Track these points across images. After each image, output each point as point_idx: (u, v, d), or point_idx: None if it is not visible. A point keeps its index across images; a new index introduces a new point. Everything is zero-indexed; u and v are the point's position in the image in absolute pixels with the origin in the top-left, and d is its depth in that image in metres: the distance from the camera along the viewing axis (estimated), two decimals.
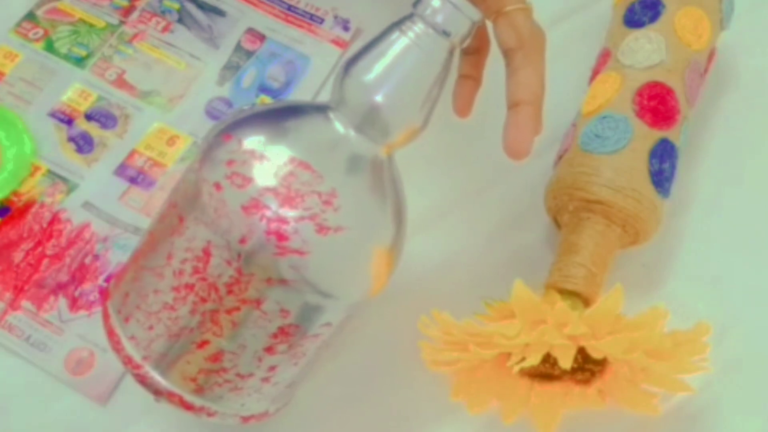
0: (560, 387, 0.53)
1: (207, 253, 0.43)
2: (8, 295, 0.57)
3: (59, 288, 0.57)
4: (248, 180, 0.43)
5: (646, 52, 0.58)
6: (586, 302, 0.52)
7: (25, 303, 0.56)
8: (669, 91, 0.57)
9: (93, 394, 0.54)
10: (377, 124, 0.44)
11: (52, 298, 0.57)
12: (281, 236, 0.42)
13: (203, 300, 0.44)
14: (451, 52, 0.45)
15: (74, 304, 0.57)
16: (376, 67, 0.44)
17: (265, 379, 0.47)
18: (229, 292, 0.44)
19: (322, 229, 0.43)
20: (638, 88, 0.57)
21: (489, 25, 0.51)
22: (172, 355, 0.46)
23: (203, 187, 0.44)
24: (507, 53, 0.50)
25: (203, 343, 0.45)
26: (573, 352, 0.48)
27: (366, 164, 0.45)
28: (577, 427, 0.53)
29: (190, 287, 0.44)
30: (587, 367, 0.52)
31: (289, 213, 0.42)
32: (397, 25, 0.45)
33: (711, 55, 0.62)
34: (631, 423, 0.53)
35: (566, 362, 0.48)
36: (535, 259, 0.57)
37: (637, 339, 0.48)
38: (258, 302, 0.44)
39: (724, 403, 0.54)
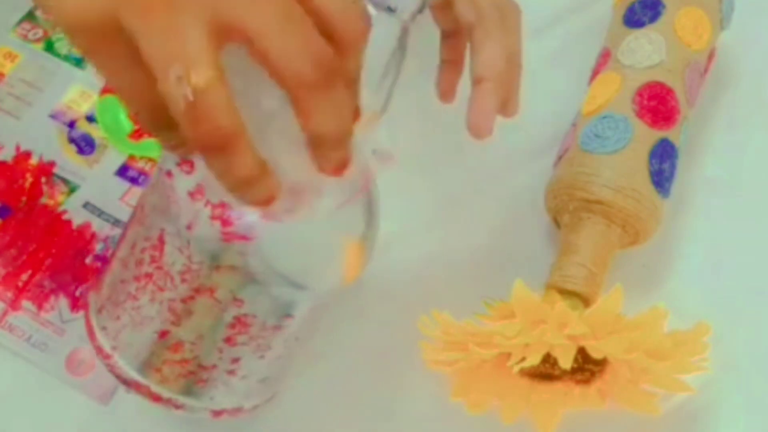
0: (560, 387, 0.53)
1: (161, 240, 0.43)
2: (9, 295, 0.57)
3: (60, 288, 0.57)
4: (195, 166, 0.42)
5: (646, 52, 0.58)
6: (586, 302, 0.52)
7: (26, 303, 0.56)
8: (669, 91, 0.57)
9: (94, 395, 0.54)
10: None
11: (52, 298, 0.57)
12: (225, 221, 0.41)
13: (160, 289, 0.44)
14: (403, 30, 0.44)
15: (75, 304, 0.57)
16: None
17: (230, 372, 0.47)
18: (183, 280, 0.43)
19: (268, 214, 0.41)
20: (638, 88, 0.57)
21: None
22: (137, 345, 0.46)
23: (159, 176, 0.44)
24: (467, 28, 0.49)
25: (164, 333, 0.45)
26: (573, 352, 0.48)
27: None
28: (577, 427, 0.53)
29: (149, 276, 0.44)
30: (587, 367, 0.52)
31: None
32: None
33: (711, 55, 0.62)
34: (631, 423, 0.53)
35: (566, 362, 0.48)
36: (535, 259, 0.57)
37: (637, 339, 0.48)
38: (210, 290, 0.43)
39: (724, 403, 0.54)
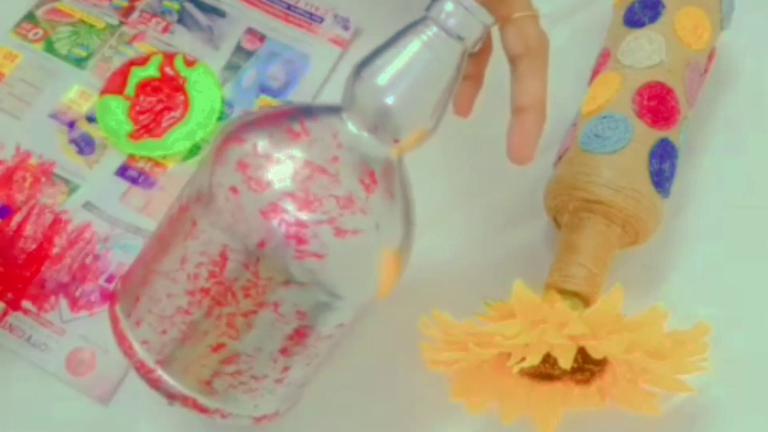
0: (560, 387, 0.53)
1: (223, 257, 0.44)
2: (9, 295, 0.57)
3: (60, 288, 0.57)
4: (265, 184, 0.43)
5: (646, 52, 0.58)
6: (586, 302, 0.52)
7: (26, 303, 0.56)
8: (669, 91, 0.57)
9: (94, 395, 0.54)
10: (389, 126, 0.45)
11: (53, 298, 0.57)
12: (300, 240, 0.42)
13: (219, 303, 0.44)
14: (462, 56, 0.45)
15: (75, 304, 0.57)
16: (389, 70, 0.44)
17: (279, 381, 0.47)
18: (246, 295, 0.44)
19: (339, 232, 0.43)
20: (638, 88, 0.57)
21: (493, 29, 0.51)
22: (186, 358, 0.46)
23: (218, 192, 0.44)
24: (513, 59, 0.50)
25: (219, 347, 0.45)
26: (573, 352, 0.48)
27: (379, 166, 0.45)
28: (577, 427, 0.53)
29: (205, 291, 0.44)
30: (587, 367, 0.52)
31: (308, 216, 0.43)
32: (411, 27, 0.45)
33: (711, 55, 0.62)
34: (631, 423, 0.53)
35: (566, 362, 0.48)
36: (535, 259, 0.57)
37: (637, 339, 0.48)
38: (275, 305, 0.44)
39: (724, 403, 0.54)
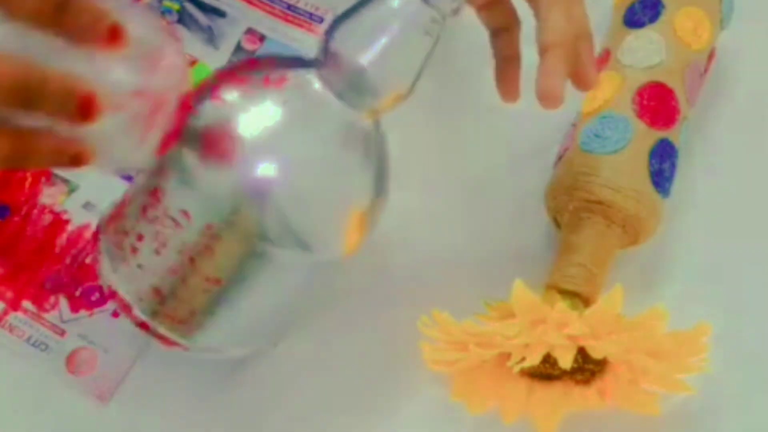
0: (560, 387, 0.53)
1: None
2: (9, 294, 0.57)
3: (60, 288, 0.57)
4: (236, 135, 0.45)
5: (646, 52, 0.58)
6: (586, 302, 0.52)
7: (26, 303, 0.56)
8: (669, 91, 0.57)
9: (94, 394, 0.54)
10: (359, 87, 0.45)
11: (52, 298, 0.57)
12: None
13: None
14: (435, 20, 0.45)
15: (75, 304, 0.57)
16: (358, 29, 0.45)
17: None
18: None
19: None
20: (638, 88, 0.57)
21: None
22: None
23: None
24: (531, 1, 0.49)
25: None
26: (573, 352, 0.48)
27: (347, 127, 0.46)
28: (577, 427, 0.53)
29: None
30: (587, 367, 0.52)
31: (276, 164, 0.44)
32: None
33: (711, 55, 0.62)
34: (631, 423, 0.53)
35: (566, 362, 0.48)
36: (535, 259, 0.57)
37: (637, 339, 0.48)
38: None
39: (724, 403, 0.54)
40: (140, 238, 0.47)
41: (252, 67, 0.48)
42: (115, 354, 0.55)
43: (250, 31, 0.67)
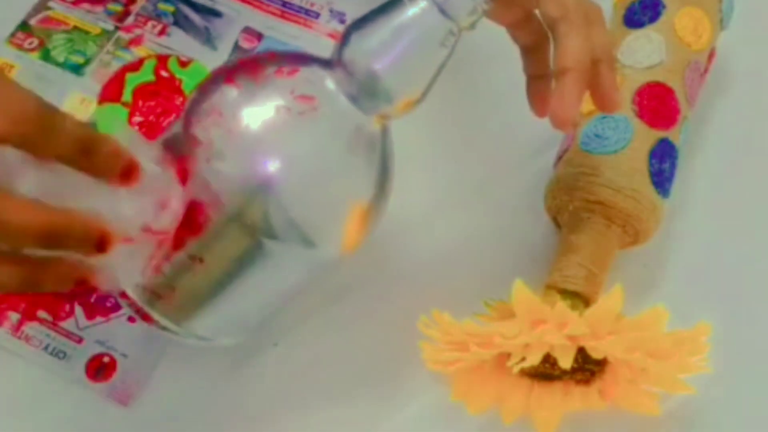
0: (560, 387, 0.53)
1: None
2: (23, 305, 0.56)
3: (74, 296, 0.57)
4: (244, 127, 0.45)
5: (646, 52, 0.58)
6: (586, 302, 0.52)
7: (41, 313, 0.56)
8: (669, 91, 0.57)
9: (115, 400, 0.54)
10: (372, 92, 0.45)
11: (67, 306, 0.56)
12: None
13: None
14: (452, 33, 0.45)
15: (91, 311, 0.56)
16: (375, 35, 0.45)
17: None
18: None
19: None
20: (638, 89, 0.57)
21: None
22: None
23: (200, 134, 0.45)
24: (551, 25, 0.49)
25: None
26: (573, 352, 0.48)
27: (356, 129, 0.46)
28: (577, 427, 0.53)
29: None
30: (587, 367, 0.52)
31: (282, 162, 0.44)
32: None
33: (711, 55, 0.62)
34: (631, 423, 0.53)
35: (566, 362, 0.48)
36: (535, 259, 0.57)
37: (637, 339, 0.48)
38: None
39: (724, 403, 0.54)
40: None
41: (270, 59, 0.48)
42: (133, 358, 0.55)
43: (247, 30, 0.67)
